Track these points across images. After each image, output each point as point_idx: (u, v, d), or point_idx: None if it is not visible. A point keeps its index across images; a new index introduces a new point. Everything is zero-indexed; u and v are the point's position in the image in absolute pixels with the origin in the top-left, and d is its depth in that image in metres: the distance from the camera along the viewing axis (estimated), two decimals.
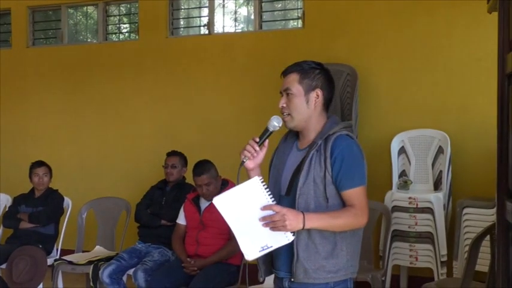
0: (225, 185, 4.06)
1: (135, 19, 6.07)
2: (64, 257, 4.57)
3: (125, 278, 4.33)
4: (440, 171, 4.50)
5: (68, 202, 4.99)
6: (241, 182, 2.16)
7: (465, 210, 4.14)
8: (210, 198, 3.89)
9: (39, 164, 4.95)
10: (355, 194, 2.17)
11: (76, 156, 6.01)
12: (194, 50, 5.61)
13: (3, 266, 4.43)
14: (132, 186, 5.51)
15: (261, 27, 5.50)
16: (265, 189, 2.12)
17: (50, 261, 4.54)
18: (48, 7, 6.37)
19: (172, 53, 5.65)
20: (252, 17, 5.61)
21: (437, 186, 4.53)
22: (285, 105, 2.28)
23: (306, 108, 2.26)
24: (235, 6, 5.86)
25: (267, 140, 2.27)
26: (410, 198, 4.33)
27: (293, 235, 2.11)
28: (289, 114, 2.27)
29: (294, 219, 2.06)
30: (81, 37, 6.58)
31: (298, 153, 2.30)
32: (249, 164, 2.26)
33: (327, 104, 2.31)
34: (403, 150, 4.65)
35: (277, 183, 2.30)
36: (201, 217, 4.09)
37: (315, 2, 5.14)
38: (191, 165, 4.34)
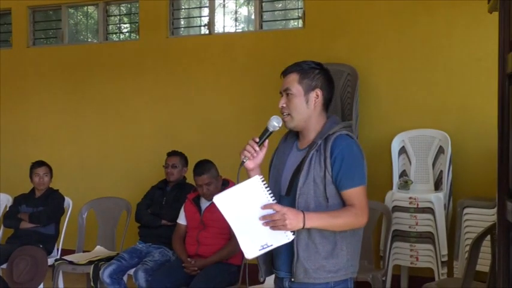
0: (225, 184, 4.06)
1: (136, 19, 6.08)
2: (64, 257, 4.57)
3: (125, 278, 4.33)
4: (441, 171, 4.50)
5: (68, 202, 4.99)
6: (242, 182, 2.16)
7: (466, 210, 4.14)
8: (210, 198, 3.89)
9: (40, 164, 4.95)
10: (355, 193, 2.17)
11: (76, 156, 6.01)
12: (194, 50, 5.61)
13: (4, 266, 4.43)
14: (132, 186, 5.51)
15: (261, 27, 5.50)
16: (266, 188, 2.12)
17: (50, 261, 4.54)
18: (48, 7, 6.38)
19: (173, 53, 5.65)
20: (253, 16, 5.61)
21: (437, 186, 4.53)
22: (284, 105, 2.28)
23: (306, 108, 2.26)
24: (236, 6, 5.87)
25: (266, 140, 2.27)
26: (410, 198, 4.33)
27: (293, 234, 2.12)
28: (289, 114, 2.27)
29: (294, 218, 2.06)
30: (82, 37, 6.58)
31: (298, 153, 2.30)
32: (249, 164, 2.26)
33: (326, 104, 2.31)
34: (404, 150, 4.65)
35: (277, 184, 2.30)
36: (202, 217, 4.09)
37: (315, 2, 5.14)
38: (191, 165, 4.34)
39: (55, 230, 4.84)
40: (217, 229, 3.96)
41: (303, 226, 2.08)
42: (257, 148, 2.25)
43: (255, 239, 2.12)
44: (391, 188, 4.54)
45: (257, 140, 2.25)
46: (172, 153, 4.73)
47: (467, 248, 3.70)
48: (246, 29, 5.81)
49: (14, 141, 6.21)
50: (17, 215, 4.81)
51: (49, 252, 4.71)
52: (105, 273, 4.20)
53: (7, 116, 6.22)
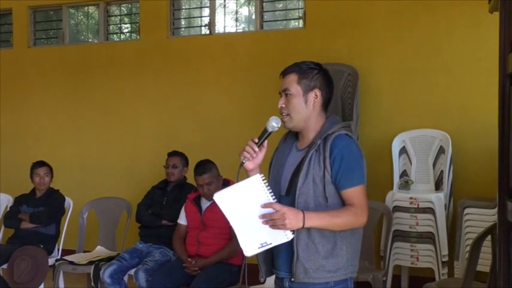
0: (226, 184, 4.05)
1: (136, 19, 6.08)
2: (65, 257, 4.57)
3: (126, 278, 4.33)
4: (442, 171, 4.50)
5: (69, 202, 4.99)
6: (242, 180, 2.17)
7: (466, 210, 4.13)
8: (211, 198, 3.88)
9: (40, 164, 4.95)
10: (355, 193, 2.17)
11: (77, 156, 6.01)
12: (195, 50, 5.61)
13: (5, 266, 4.44)
14: (133, 186, 5.51)
15: (262, 27, 5.50)
16: (266, 187, 2.12)
17: (51, 261, 4.54)
18: (49, 7, 6.38)
19: (173, 53, 5.65)
20: (253, 17, 5.62)
21: (438, 186, 4.52)
22: (283, 105, 2.28)
23: (305, 108, 2.26)
24: (236, 6, 5.87)
25: (266, 141, 2.27)
26: (411, 198, 4.33)
27: (292, 234, 2.12)
28: (288, 115, 2.27)
29: (293, 218, 2.06)
30: (82, 37, 6.58)
31: (297, 153, 2.30)
32: (249, 164, 2.26)
33: (325, 104, 2.31)
34: (404, 150, 4.65)
35: (277, 184, 2.30)
36: (202, 217, 4.09)
37: (316, 2, 5.14)
38: (192, 165, 4.34)
39: (56, 230, 4.84)
40: (218, 229, 3.96)
41: (303, 226, 2.08)
42: (256, 149, 2.25)
43: (254, 237, 2.12)
44: (392, 188, 4.54)
45: (256, 140, 2.25)
46: (173, 154, 4.73)
47: (468, 248, 3.70)
48: (247, 29, 5.81)
49: (14, 141, 6.21)
50: (17, 215, 4.81)
51: (50, 252, 4.71)
52: (106, 274, 4.20)
53: (7, 116, 6.22)
